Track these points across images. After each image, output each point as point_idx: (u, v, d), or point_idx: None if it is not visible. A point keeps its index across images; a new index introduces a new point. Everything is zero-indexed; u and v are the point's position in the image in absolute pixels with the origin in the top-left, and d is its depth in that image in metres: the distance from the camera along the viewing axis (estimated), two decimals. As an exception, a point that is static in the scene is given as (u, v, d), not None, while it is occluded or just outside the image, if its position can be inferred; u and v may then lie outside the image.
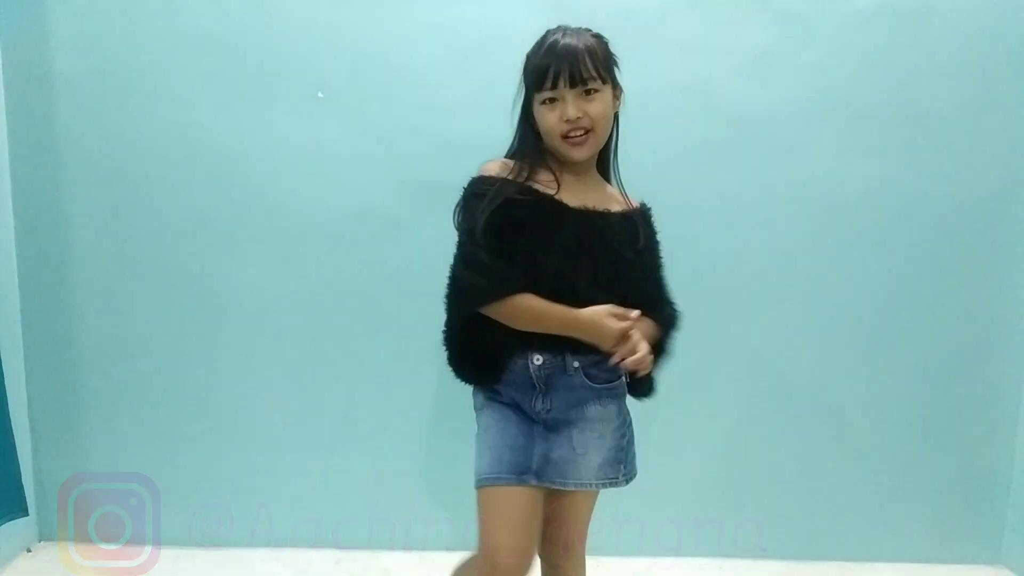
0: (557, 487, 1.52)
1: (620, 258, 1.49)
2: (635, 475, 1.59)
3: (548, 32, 1.51)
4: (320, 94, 2.26)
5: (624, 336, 1.40)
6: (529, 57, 1.52)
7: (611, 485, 1.55)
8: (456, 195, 2.00)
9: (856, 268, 2.34)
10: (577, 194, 1.51)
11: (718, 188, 2.28)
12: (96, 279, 2.34)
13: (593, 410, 1.52)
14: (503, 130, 2.15)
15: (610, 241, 1.49)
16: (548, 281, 1.44)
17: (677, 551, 2.46)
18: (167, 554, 2.39)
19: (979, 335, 2.39)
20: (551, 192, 1.49)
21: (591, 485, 1.53)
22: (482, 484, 1.50)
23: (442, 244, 2.24)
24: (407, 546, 2.45)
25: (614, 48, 1.55)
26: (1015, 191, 2.31)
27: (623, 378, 1.58)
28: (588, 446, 1.51)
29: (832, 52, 2.22)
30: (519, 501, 1.48)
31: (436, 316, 2.27)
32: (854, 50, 2.22)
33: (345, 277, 2.34)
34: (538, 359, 1.50)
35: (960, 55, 2.22)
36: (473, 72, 2.22)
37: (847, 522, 2.48)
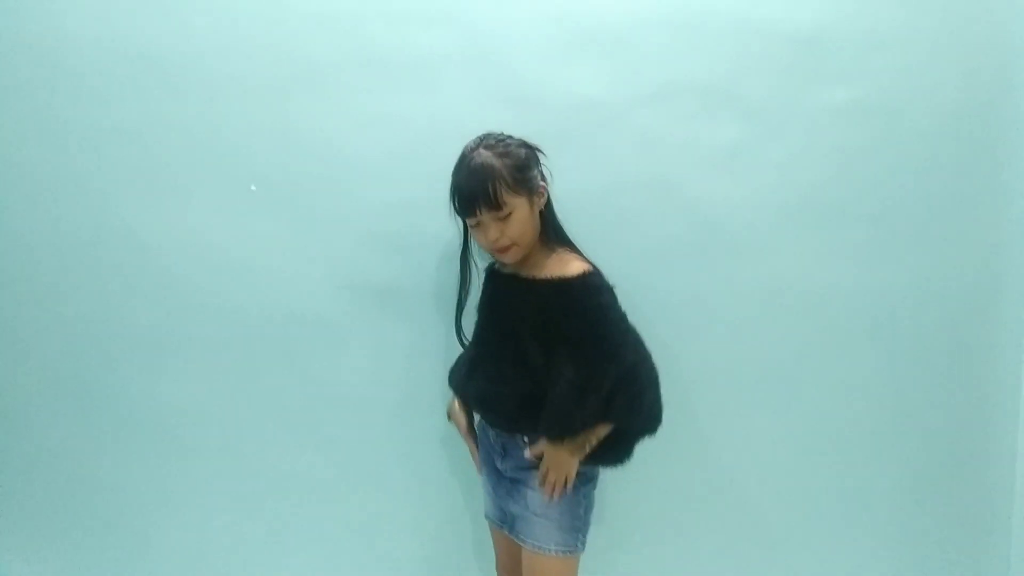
0: (520, 543, 1.71)
1: (517, 319, 1.66)
2: (583, 547, 1.71)
3: (463, 153, 1.67)
4: (253, 187, 2.09)
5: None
6: (452, 176, 1.67)
7: (566, 553, 1.67)
8: (401, 296, 2.07)
9: (831, 371, 2.21)
10: (516, 266, 1.72)
11: (685, 288, 2.16)
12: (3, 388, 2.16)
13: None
14: (446, 227, 2.04)
15: (512, 303, 1.69)
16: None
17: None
18: None
19: (965, 434, 2.26)
20: (504, 269, 1.78)
21: (546, 550, 1.66)
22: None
23: (385, 352, 2.12)
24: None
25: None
26: (990, 286, 2.22)
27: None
28: (538, 507, 1.66)
29: (801, 149, 2.13)
30: (498, 538, 1.91)
31: (379, 431, 2.14)
32: (823, 146, 2.13)
33: (276, 390, 2.15)
34: (493, 432, 1.77)
35: (930, 151, 2.15)
36: (420, 167, 2.08)
37: (842, 569, 2.27)
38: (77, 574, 2.20)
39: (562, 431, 1.59)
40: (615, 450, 1.66)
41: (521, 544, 1.71)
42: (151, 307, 2.12)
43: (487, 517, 1.90)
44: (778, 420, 2.22)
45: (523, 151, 1.66)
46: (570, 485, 1.63)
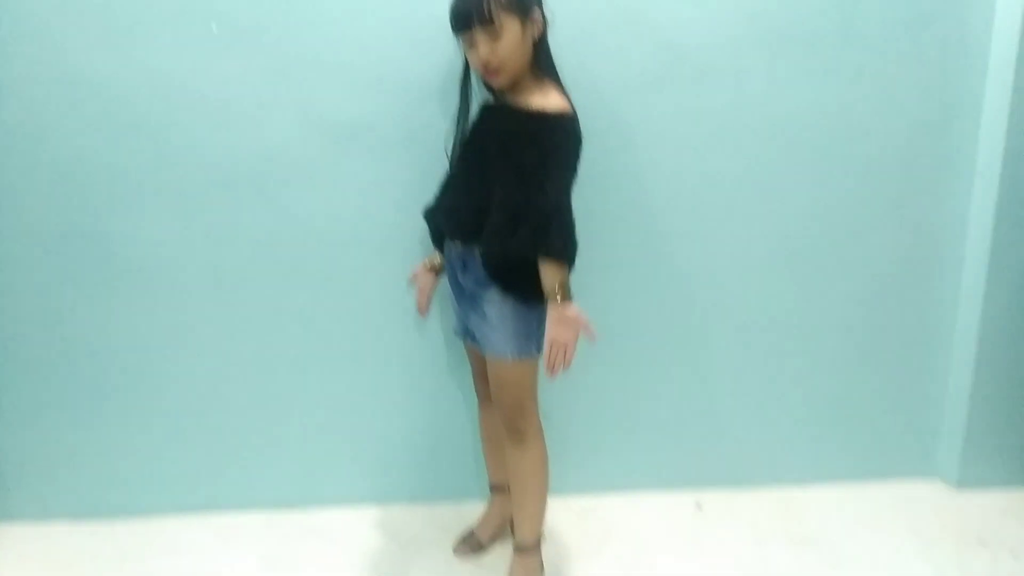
0: (481, 351, 1.85)
1: (489, 138, 1.74)
2: (539, 351, 1.78)
3: None
4: (214, 27, 2.04)
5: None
6: (449, 5, 1.70)
7: (522, 357, 1.77)
8: (370, 134, 2.09)
9: (792, 191, 2.30)
10: (504, 96, 1.77)
11: (651, 113, 2.19)
12: None
13: (495, 291, 1.75)
14: (419, 62, 2.04)
15: (491, 125, 1.77)
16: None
17: (611, 486, 2.45)
18: (81, 528, 2.25)
19: (915, 250, 2.39)
20: (491, 100, 1.85)
21: (504, 355, 1.77)
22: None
23: (355, 189, 2.16)
24: (339, 501, 2.36)
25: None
26: (949, 111, 2.29)
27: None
28: (494, 319, 1.76)
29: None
30: (469, 350, 2.06)
31: (353, 265, 2.21)
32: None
33: (251, 229, 2.17)
34: (458, 245, 1.84)
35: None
36: (394, 1, 2.04)
37: (784, 446, 2.49)
38: (72, 420, 2.25)
39: (494, 254, 1.68)
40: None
41: (484, 353, 1.83)
42: (125, 151, 2.09)
43: (456, 333, 2.03)
44: (742, 238, 2.32)
45: None
46: (570, 358, 1.67)
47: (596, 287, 2.19)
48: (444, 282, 2.03)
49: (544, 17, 1.73)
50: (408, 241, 2.17)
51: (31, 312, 2.18)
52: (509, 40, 1.65)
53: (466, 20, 1.63)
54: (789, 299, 2.38)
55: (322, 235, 2.19)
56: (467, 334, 1.92)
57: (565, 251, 1.63)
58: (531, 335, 1.77)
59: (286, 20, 2.05)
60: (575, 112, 1.70)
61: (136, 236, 2.15)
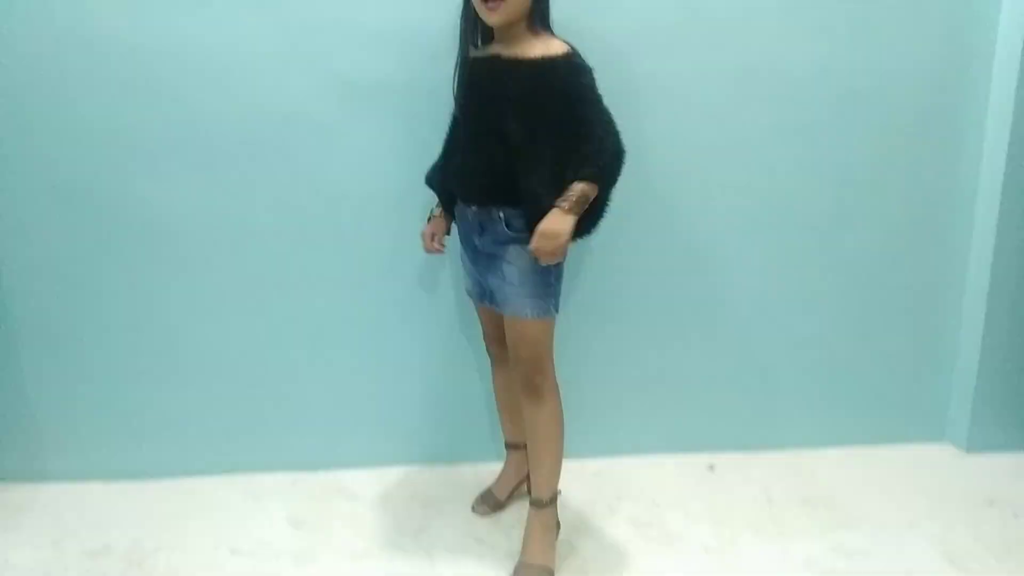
0: (500, 311, 1.87)
1: (500, 96, 1.73)
2: (556, 310, 1.86)
3: None
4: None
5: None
6: None
7: (541, 316, 1.81)
8: (389, 92, 2.15)
9: (801, 150, 2.32)
10: (495, 49, 1.80)
11: (663, 69, 2.21)
12: (3, 205, 2.17)
13: (514, 250, 1.78)
14: (436, 20, 2.06)
15: (496, 82, 1.75)
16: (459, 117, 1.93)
17: (624, 449, 2.49)
18: (113, 488, 2.33)
19: (925, 214, 2.41)
20: (479, 53, 1.85)
21: (523, 315, 1.81)
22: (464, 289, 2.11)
23: (377, 148, 2.19)
24: (364, 463, 2.43)
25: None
26: (960, 69, 2.29)
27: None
28: (514, 279, 1.80)
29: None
30: (482, 311, 2.09)
31: (375, 224, 2.25)
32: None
33: (273, 188, 2.22)
34: (473, 209, 1.86)
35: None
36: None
37: (795, 410, 2.53)
38: (102, 382, 2.31)
39: (538, 211, 1.69)
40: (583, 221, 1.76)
41: (502, 312, 1.87)
42: (145, 112, 2.13)
43: (469, 294, 2.06)
44: (753, 201, 2.34)
45: None
46: (561, 254, 1.71)
47: (609, 251, 2.25)
48: (454, 242, 2.06)
49: None
50: (426, 200, 2.17)
51: (59, 276, 2.24)
52: None
53: None
54: (799, 262, 2.41)
55: (341, 194, 2.24)
56: (483, 295, 1.95)
57: (616, 179, 1.73)
58: (549, 294, 1.82)
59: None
60: (576, 50, 1.74)
61: (157, 196, 2.20)
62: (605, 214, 1.79)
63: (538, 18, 1.77)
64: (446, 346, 2.38)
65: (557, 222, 1.67)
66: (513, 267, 1.80)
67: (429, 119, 2.11)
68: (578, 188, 1.67)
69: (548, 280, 1.81)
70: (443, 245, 2.08)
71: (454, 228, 2.03)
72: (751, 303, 2.43)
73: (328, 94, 2.16)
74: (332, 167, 2.21)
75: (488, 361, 2.20)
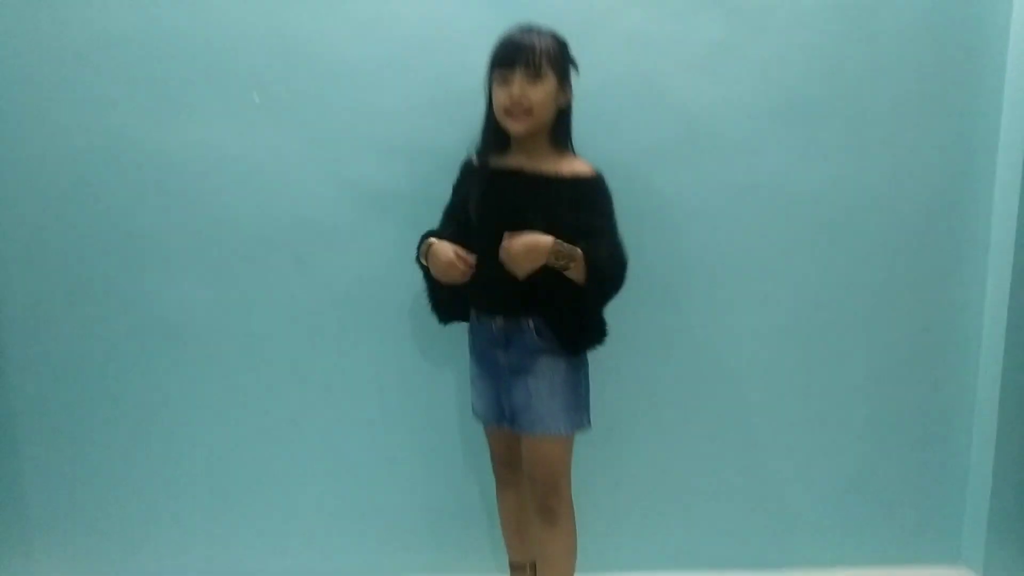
0: (526, 433, 1.80)
1: (528, 209, 1.72)
2: (589, 425, 1.85)
3: (518, 25, 1.76)
4: (256, 97, 2.13)
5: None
6: (496, 42, 1.75)
7: (575, 430, 1.81)
8: (400, 201, 2.14)
9: (808, 268, 2.31)
10: (516, 161, 1.81)
11: (668, 185, 2.23)
12: (18, 299, 2.19)
13: (545, 361, 1.76)
14: (447, 132, 2.10)
15: (522, 195, 1.76)
16: (473, 230, 1.82)
17: (630, 565, 2.41)
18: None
19: (932, 333, 2.38)
20: (500, 164, 1.84)
21: (555, 431, 1.77)
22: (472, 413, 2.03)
23: (386, 253, 2.21)
24: (356, 574, 2.35)
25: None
26: (963, 188, 2.30)
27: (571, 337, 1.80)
28: (544, 393, 1.76)
29: (782, 47, 2.18)
30: (495, 435, 1.99)
31: (382, 329, 2.24)
32: (804, 45, 2.18)
33: (284, 291, 2.23)
34: (499, 321, 1.81)
35: (908, 50, 2.20)
36: (414, 72, 2.13)
37: (806, 529, 2.44)
38: (100, 486, 2.27)
39: (569, 318, 1.75)
40: (589, 331, 1.81)
41: (527, 434, 1.79)
42: (161, 216, 2.16)
43: (479, 417, 1.98)
44: (756, 314, 2.32)
45: (566, 48, 1.79)
46: (522, 262, 1.65)
47: (616, 364, 2.21)
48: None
49: (571, 91, 1.81)
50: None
51: (62, 372, 2.23)
52: (545, 89, 1.71)
53: (513, 59, 1.69)
54: (804, 379, 2.36)
55: (350, 300, 2.24)
56: (500, 417, 1.88)
57: (615, 285, 1.77)
58: (582, 405, 1.81)
59: (321, 91, 2.13)
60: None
61: (168, 295, 2.21)
62: (606, 332, 1.83)
63: (561, 133, 1.82)
64: (444, 454, 2.33)
65: (545, 241, 1.65)
66: (542, 381, 1.76)
67: (434, 224, 2.12)
68: (577, 249, 1.67)
69: (579, 391, 1.79)
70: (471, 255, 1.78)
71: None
72: (755, 419, 2.37)
73: (341, 202, 2.19)
74: (342, 273, 2.22)
75: (490, 474, 2.14)
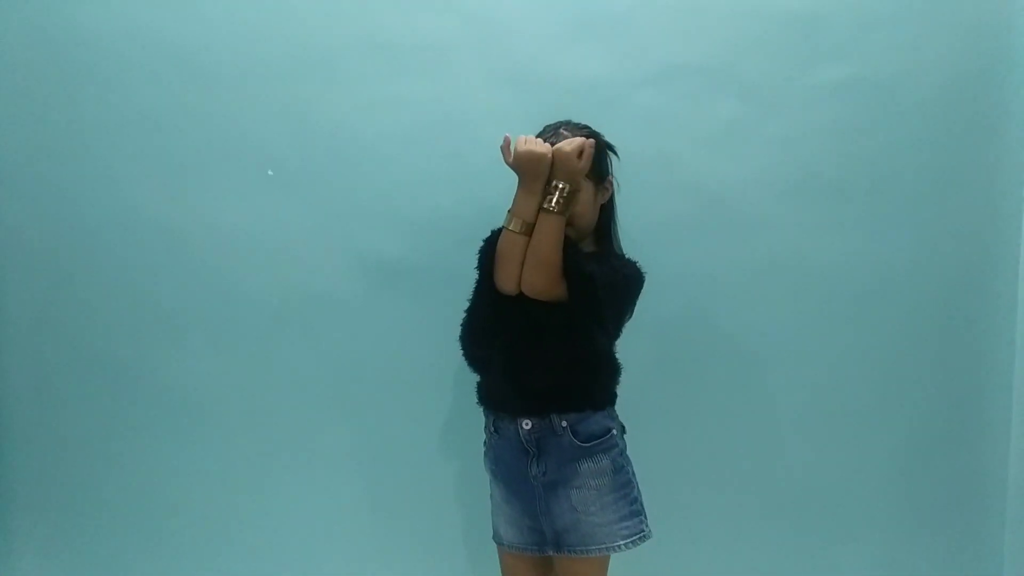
0: (578, 556, 1.56)
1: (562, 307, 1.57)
2: (649, 533, 1.61)
3: (546, 128, 1.67)
4: (270, 172, 2.15)
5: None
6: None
7: (637, 540, 1.58)
8: (413, 276, 2.08)
9: (830, 345, 2.26)
10: None
11: (686, 264, 2.20)
12: (29, 370, 2.20)
13: (587, 468, 1.56)
14: (463, 207, 2.09)
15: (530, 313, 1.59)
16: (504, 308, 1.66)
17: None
18: None
19: (959, 406, 2.30)
20: None
21: (613, 547, 1.55)
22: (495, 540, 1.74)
23: (400, 328, 2.18)
24: None
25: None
26: (987, 260, 2.26)
27: (612, 432, 1.63)
28: (593, 505, 1.55)
29: (798, 125, 2.17)
30: (521, 564, 1.70)
31: (395, 405, 2.20)
32: (820, 123, 2.18)
33: (296, 366, 2.20)
34: (527, 424, 1.59)
35: (924, 127, 2.19)
36: (430, 148, 2.13)
37: (842, 546, 2.31)
38: (108, 560, 2.23)
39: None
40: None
41: (576, 556, 1.56)
42: (174, 290, 2.17)
43: (505, 544, 1.71)
44: (777, 394, 2.26)
45: (601, 141, 1.69)
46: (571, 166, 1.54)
47: (637, 432, 2.13)
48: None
49: (613, 183, 1.76)
50: (445, 386, 2.16)
51: (67, 444, 2.21)
52: (583, 200, 1.63)
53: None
54: (828, 459, 2.28)
55: (360, 373, 2.21)
56: (540, 544, 1.62)
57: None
58: (637, 510, 1.60)
59: (333, 165, 2.14)
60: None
61: (176, 365, 2.20)
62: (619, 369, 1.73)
63: (605, 238, 1.76)
64: (451, 540, 2.25)
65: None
66: (587, 491, 1.55)
67: (451, 301, 2.08)
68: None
69: (631, 493, 1.60)
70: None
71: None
72: (780, 502, 2.29)
73: (352, 276, 2.18)
74: (353, 346, 2.20)
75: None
